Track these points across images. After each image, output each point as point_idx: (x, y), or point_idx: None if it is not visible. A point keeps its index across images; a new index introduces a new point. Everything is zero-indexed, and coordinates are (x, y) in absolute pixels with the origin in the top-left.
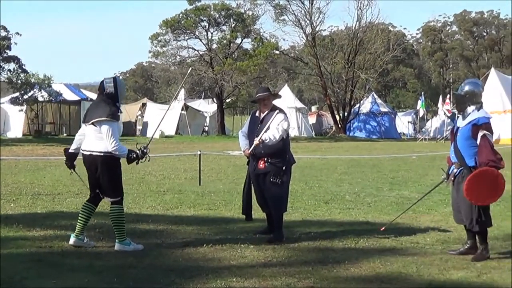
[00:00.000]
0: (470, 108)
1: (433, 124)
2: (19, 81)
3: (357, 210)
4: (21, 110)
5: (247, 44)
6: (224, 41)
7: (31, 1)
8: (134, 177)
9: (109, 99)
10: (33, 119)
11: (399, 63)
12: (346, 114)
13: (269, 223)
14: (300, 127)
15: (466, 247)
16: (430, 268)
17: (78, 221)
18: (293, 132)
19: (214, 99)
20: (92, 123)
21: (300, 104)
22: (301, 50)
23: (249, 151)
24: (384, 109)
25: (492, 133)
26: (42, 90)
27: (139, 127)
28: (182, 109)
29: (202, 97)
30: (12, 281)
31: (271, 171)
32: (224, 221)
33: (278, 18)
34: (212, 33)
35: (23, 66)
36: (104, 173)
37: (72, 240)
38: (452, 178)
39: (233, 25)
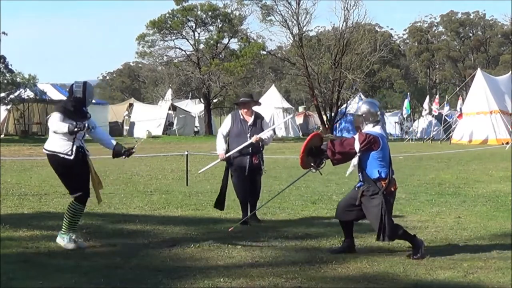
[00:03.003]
0: (368, 127)
1: (420, 124)
2: (5, 81)
3: None
4: (6, 109)
5: (234, 44)
6: (211, 42)
7: (18, 1)
8: (121, 177)
9: (76, 103)
10: (19, 119)
11: (386, 63)
12: (333, 114)
13: (245, 211)
14: (287, 128)
15: (341, 245)
16: (417, 268)
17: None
18: (280, 133)
19: (201, 99)
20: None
21: (287, 105)
22: (288, 51)
23: (226, 156)
24: None
25: (375, 146)
26: (28, 90)
27: (126, 127)
28: (169, 109)
29: (189, 97)
30: None
31: (260, 165)
32: (212, 221)
33: (265, 18)
34: (199, 33)
35: (9, 66)
36: (56, 171)
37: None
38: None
39: (220, 25)
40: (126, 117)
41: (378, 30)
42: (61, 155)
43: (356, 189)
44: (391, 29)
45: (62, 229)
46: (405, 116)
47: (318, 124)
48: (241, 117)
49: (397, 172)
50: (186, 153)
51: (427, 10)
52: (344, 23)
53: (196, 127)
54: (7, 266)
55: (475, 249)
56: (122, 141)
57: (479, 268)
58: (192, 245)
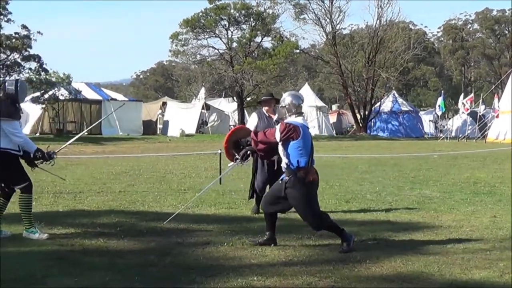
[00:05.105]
0: (290, 118)
1: (455, 123)
2: (40, 80)
3: (378, 209)
4: (42, 108)
5: (267, 43)
6: (244, 40)
7: (55, 1)
8: (155, 176)
9: (9, 99)
10: (54, 117)
11: (420, 61)
12: (367, 113)
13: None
14: (321, 126)
15: (264, 238)
16: (452, 268)
17: None
18: (313, 131)
19: (234, 97)
20: None
21: (320, 103)
22: (322, 49)
23: None
24: (405, 108)
25: (295, 135)
26: (62, 89)
27: (159, 126)
28: (203, 108)
29: (223, 95)
30: (33, 279)
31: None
32: (245, 220)
33: (298, 16)
34: (232, 32)
35: (44, 65)
36: (5, 168)
37: None
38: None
39: (253, 24)
40: (160, 116)
41: (412, 28)
42: (13, 152)
43: (280, 181)
44: (425, 27)
45: (27, 225)
46: (439, 114)
47: (351, 122)
48: (266, 114)
49: (431, 171)
50: (219, 151)
51: (461, 7)
52: (378, 21)
53: (231, 125)
54: (42, 263)
55: None
56: (156, 139)
57: None
58: (225, 244)
